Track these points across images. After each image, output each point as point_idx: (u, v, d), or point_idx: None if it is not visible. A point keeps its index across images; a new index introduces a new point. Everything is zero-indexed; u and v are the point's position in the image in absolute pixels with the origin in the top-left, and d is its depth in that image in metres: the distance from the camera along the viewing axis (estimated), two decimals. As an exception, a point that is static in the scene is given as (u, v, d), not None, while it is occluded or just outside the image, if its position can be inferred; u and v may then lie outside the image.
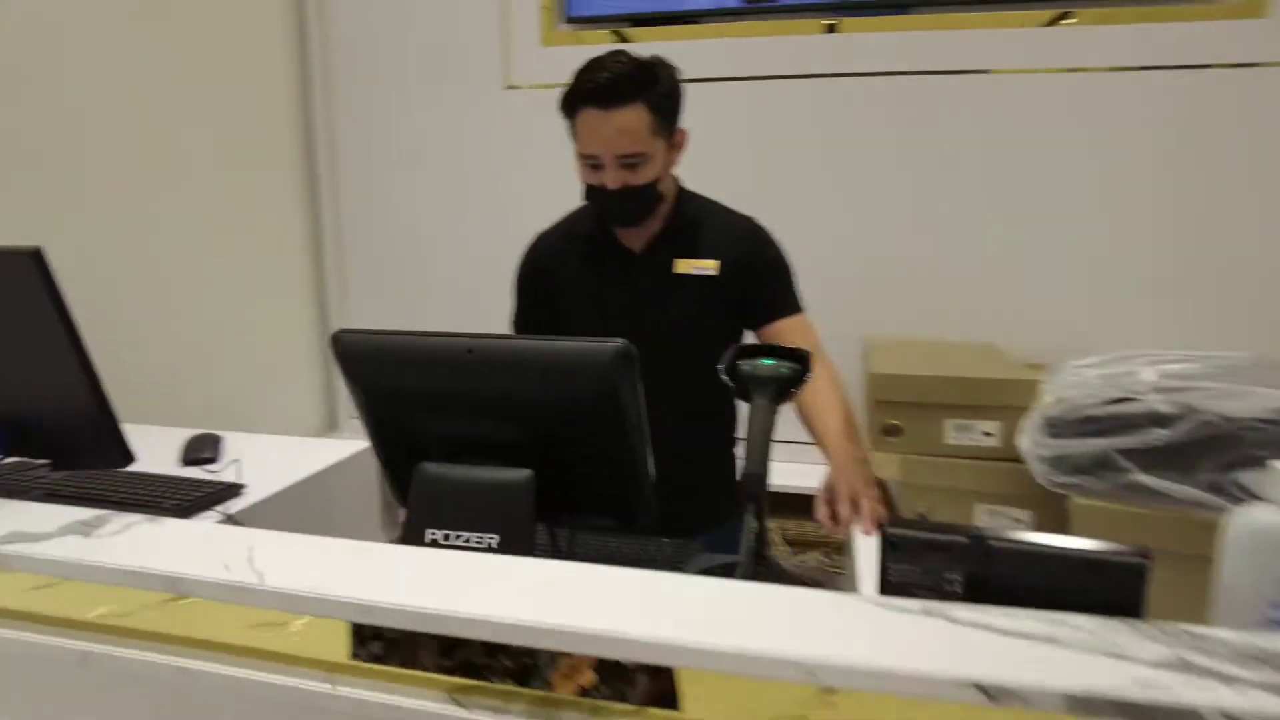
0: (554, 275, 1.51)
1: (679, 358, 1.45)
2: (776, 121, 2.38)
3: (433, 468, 1.03)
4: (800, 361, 0.94)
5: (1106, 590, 0.72)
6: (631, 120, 1.33)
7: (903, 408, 1.11)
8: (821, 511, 1.23)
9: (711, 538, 1.57)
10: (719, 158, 2.33)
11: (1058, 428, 0.95)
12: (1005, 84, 2.24)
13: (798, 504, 2.49)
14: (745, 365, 0.93)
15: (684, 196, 1.50)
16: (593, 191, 1.41)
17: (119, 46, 2.11)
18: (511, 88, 2.56)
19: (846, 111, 2.33)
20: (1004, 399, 1.09)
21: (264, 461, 1.53)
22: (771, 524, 2.42)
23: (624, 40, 2.44)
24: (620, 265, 1.48)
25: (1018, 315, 2.30)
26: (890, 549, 0.76)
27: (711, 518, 1.57)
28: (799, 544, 2.41)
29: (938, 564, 0.75)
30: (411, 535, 1.01)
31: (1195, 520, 0.87)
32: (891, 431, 1.09)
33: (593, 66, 1.35)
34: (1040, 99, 2.22)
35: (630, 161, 1.35)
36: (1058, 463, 0.94)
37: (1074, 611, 0.71)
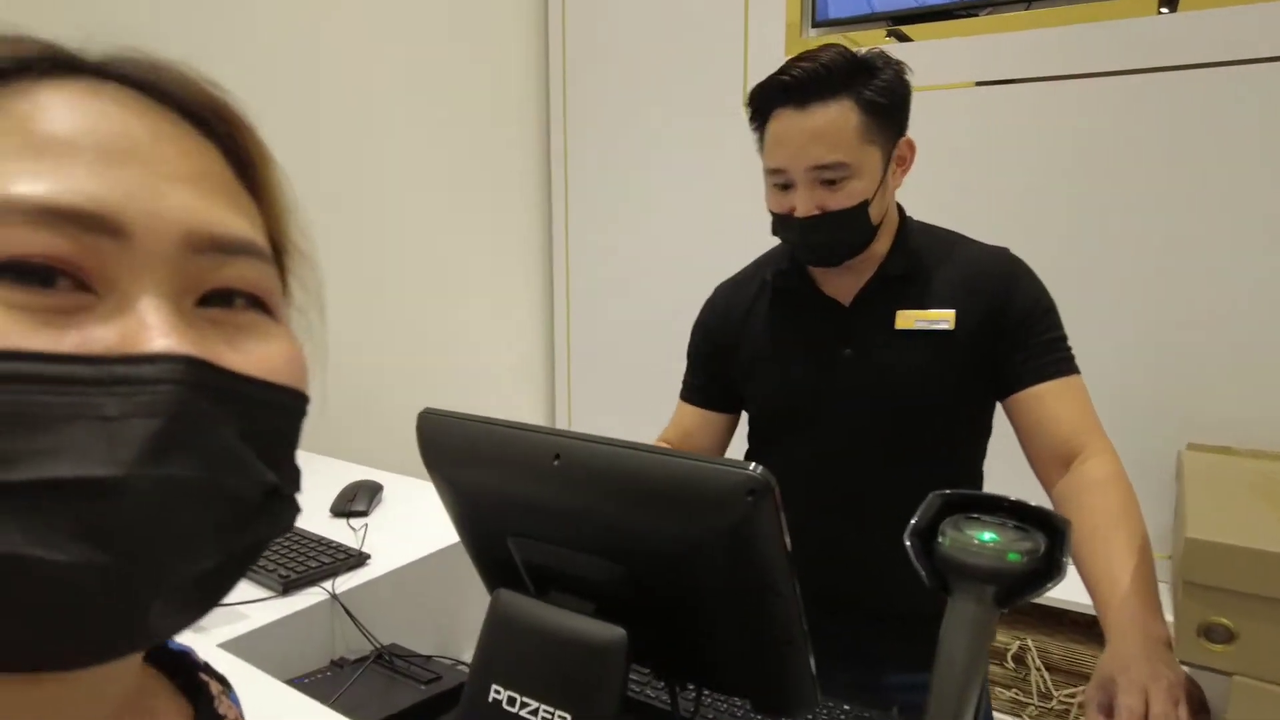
0: (733, 337, 1.21)
1: (896, 436, 1.11)
2: (1081, 132, 1.87)
3: (510, 598, 0.78)
4: (1051, 533, 0.57)
5: None
6: (834, 120, 1.00)
7: (1235, 600, 0.69)
8: None
9: (905, 683, 1.19)
10: (983, 179, 1.88)
11: None
12: None
13: (1063, 620, 1.97)
14: (946, 538, 0.57)
15: (909, 228, 1.14)
16: (781, 222, 1.09)
17: (375, 63, 2.13)
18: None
19: (1178, 116, 1.78)
20: None
21: (418, 517, 1.39)
22: (1029, 639, 1.92)
23: (902, 40, 2.05)
24: (821, 321, 1.15)
25: None
26: None
27: (911, 659, 1.19)
28: (1067, 672, 1.89)
29: None
30: (476, 683, 0.77)
31: None
32: (1216, 635, 0.67)
33: (794, 59, 1.04)
34: None
35: (829, 176, 1.02)
36: None
37: None
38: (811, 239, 1.07)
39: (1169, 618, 0.83)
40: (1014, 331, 1.07)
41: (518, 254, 2.66)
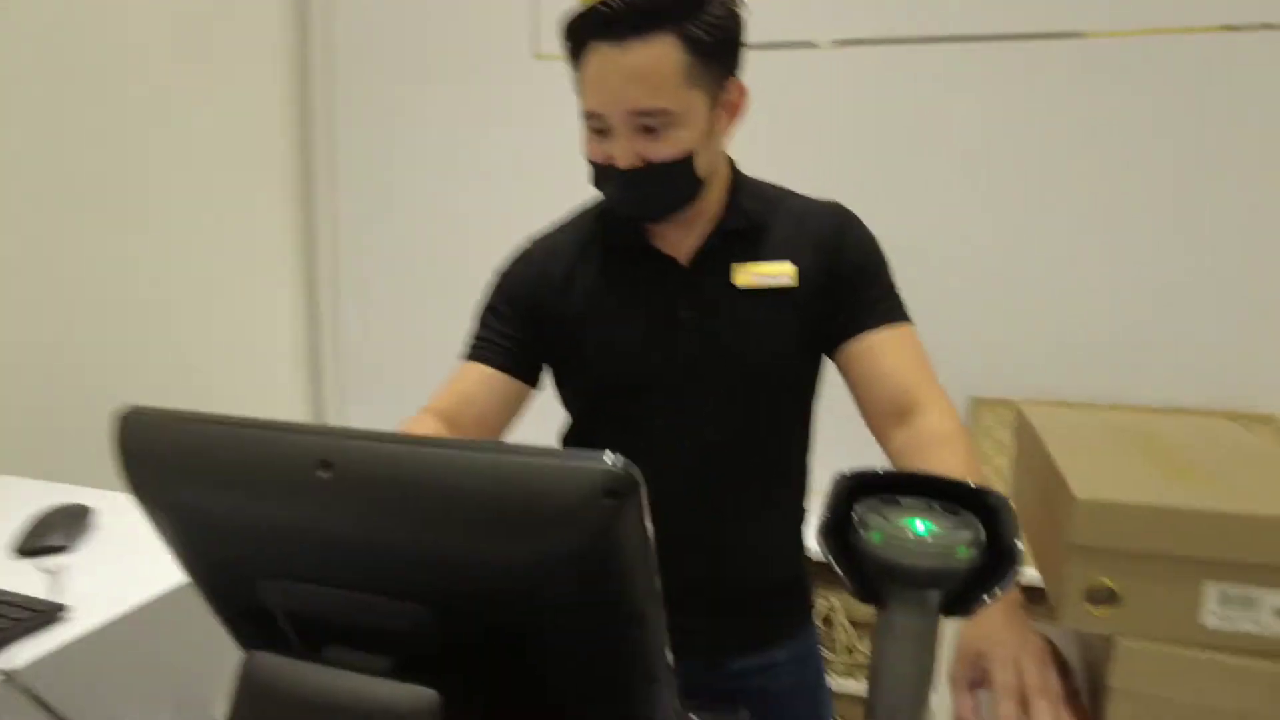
0: (554, 298, 1.04)
1: (738, 403, 1.03)
2: (879, 95, 1.88)
3: (268, 663, 0.56)
4: (991, 518, 0.45)
5: None
6: (655, 59, 0.87)
7: (1124, 560, 0.62)
8: (964, 707, 0.74)
9: (777, 658, 1.11)
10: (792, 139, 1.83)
11: None
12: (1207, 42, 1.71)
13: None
14: (872, 532, 0.44)
15: (741, 183, 1.05)
16: (600, 172, 0.96)
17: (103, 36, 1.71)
18: (543, 58, 2.11)
19: (948, 85, 1.83)
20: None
21: (145, 546, 1.08)
22: (835, 601, 1.93)
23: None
24: (660, 282, 1.02)
25: (1176, 358, 1.80)
26: None
27: (780, 630, 1.13)
28: (866, 625, 1.92)
29: None
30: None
31: None
32: (1103, 598, 0.60)
33: None
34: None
35: (650, 123, 0.90)
36: None
37: None
38: (632, 193, 0.95)
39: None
40: (848, 281, 1.01)
41: (271, 234, 2.29)
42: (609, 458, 0.47)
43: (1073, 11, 1.77)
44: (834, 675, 1.92)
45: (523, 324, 1.06)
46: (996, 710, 0.70)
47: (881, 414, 0.98)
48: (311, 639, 0.57)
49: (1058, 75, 1.79)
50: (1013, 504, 0.46)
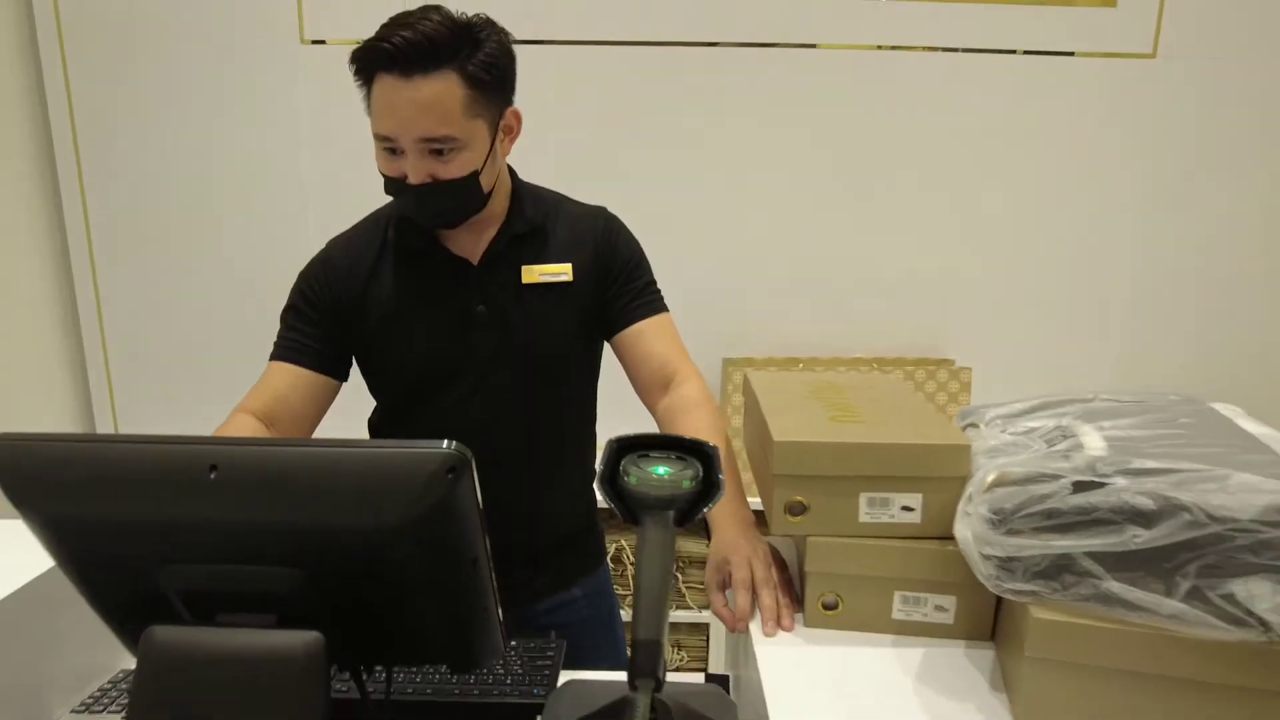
0: (357, 298, 1.17)
1: (533, 386, 1.20)
2: (612, 94, 2.11)
3: (169, 633, 0.69)
4: (706, 461, 0.69)
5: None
6: (439, 94, 1.01)
7: (809, 482, 0.89)
8: (717, 602, 1.00)
9: (573, 595, 1.32)
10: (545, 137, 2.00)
11: (1009, 521, 0.75)
12: (887, 58, 2.08)
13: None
14: (631, 477, 0.66)
15: (522, 191, 1.22)
16: (394, 185, 1.09)
17: None
18: (315, 43, 2.11)
19: (684, 88, 2.10)
20: (929, 468, 0.89)
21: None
22: (625, 542, 2.20)
23: None
24: (455, 281, 1.17)
25: (878, 318, 2.21)
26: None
27: (574, 571, 1.34)
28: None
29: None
30: (139, 738, 0.68)
31: (1173, 637, 0.70)
32: (797, 510, 0.87)
33: (395, 22, 1.02)
34: (919, 74, 2.09)
35: (439, 147, 1.04)
36: (1010, 565, 0.75)
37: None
38: (425, 206, 1.09)
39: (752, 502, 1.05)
40: (617, 279, 1.22)
41: (19, 238, 2.13)
42: (447, 444, 0.65)
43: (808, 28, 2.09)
44: (627, 608, 2.19)
45: (327, 323, 1.17)
46: (735, 598, 0.97)
47: (649, 387, 1.22)
48: (202, 611, 0.71)
49: (781, 78, 2.11)
50: (721, 450, 0.70)
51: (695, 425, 1.10)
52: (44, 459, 0.69)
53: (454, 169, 1.06)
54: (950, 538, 0.91)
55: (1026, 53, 2.07)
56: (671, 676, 1.01)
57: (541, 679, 0.93)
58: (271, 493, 0.67)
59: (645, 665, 0.61)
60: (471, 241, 1.18)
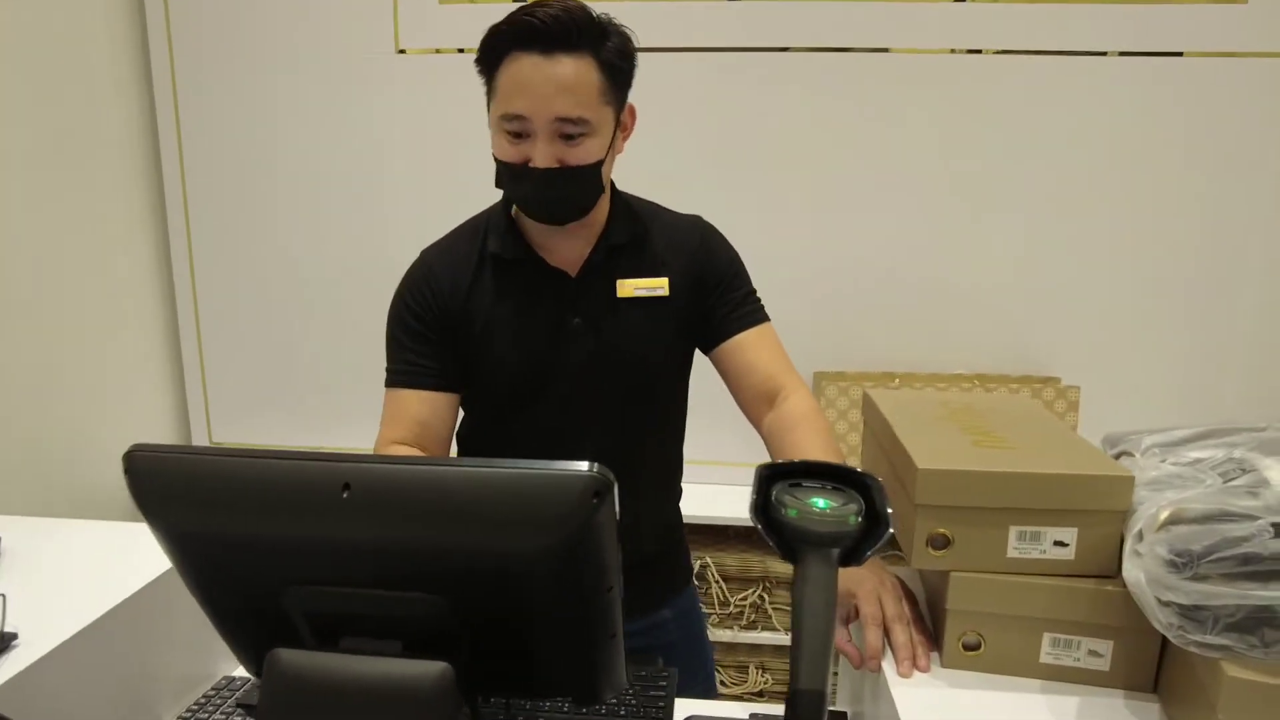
0: (461, 310, 1.14)
1: (624, 399, 1.15)
2: (689, 103, 2.06)
3: (294, 657, 0.66)
4: (866, 493, 0.63)
5: None
6: (580, 74, 0.99)
7: (954, 513, 0.83)
8: (840, 637, 0.94)
9: (663, 616, 1.28)
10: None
11: (1195, 565, 0.68)
12: (988, 63, 2.00)
13: (729, 535, 2.25)
14: (789, 509, 0.61)
15: (620, 199, 1.17)
16: (512, 172, 1.04)
17: None
18: (403, 52, 2.13)
19: (770, 94, 2.04)
20: (1086, 501, 0.82)
21: (52, 573, 1.10)
22: (709, 559, 2.14)
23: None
24: (551, 292, 1.13)
25: (978, 332, 2.11)
26: None
27: (664, 590, 1.29)
28: (738, 579, 2.15)
29: None
30: (263, 767, 0.65)
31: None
32: (940, 543, 0.80)
33: (534, 6, 0.99)
34: (1021, 81, 1.99)
35: (571, 131, 1.00)
36: (1197, 615, 0.67)
37: None
38: (548, 193, 1.04)
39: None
40: (715, 290, 1.17)
41: (121, 244, 2.19)
42: (591, 467, 0.61)
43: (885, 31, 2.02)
44: (711, 627, 2.14)
45: (438, 338, 1.14)
46: (865, 635, 0.90)
47: (753, 401, 1.16)
48: (327, 633, 0.68)
49: (871, 84, 2.04)
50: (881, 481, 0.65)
51: (807, 442, 1.04)
52: (176, 471, 0.67)
53: (582, 154, 1.02)
54: (1107, 576, 0.83)
55: (1128, 54, 1.95)
56: (760, 707, 0.97)
57: (656, 710, 0.89)
58: (405, 514, 0.63)
59: (808, 715, 0.56)
60: (570, 250, 1.14)
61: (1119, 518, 0.82)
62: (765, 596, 2.15)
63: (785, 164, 2.09)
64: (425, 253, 1.18)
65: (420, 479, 0.63)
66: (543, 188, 1.03)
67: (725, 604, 2.13)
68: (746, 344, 1.16)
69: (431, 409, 1.13)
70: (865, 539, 0.60)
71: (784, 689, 2.21)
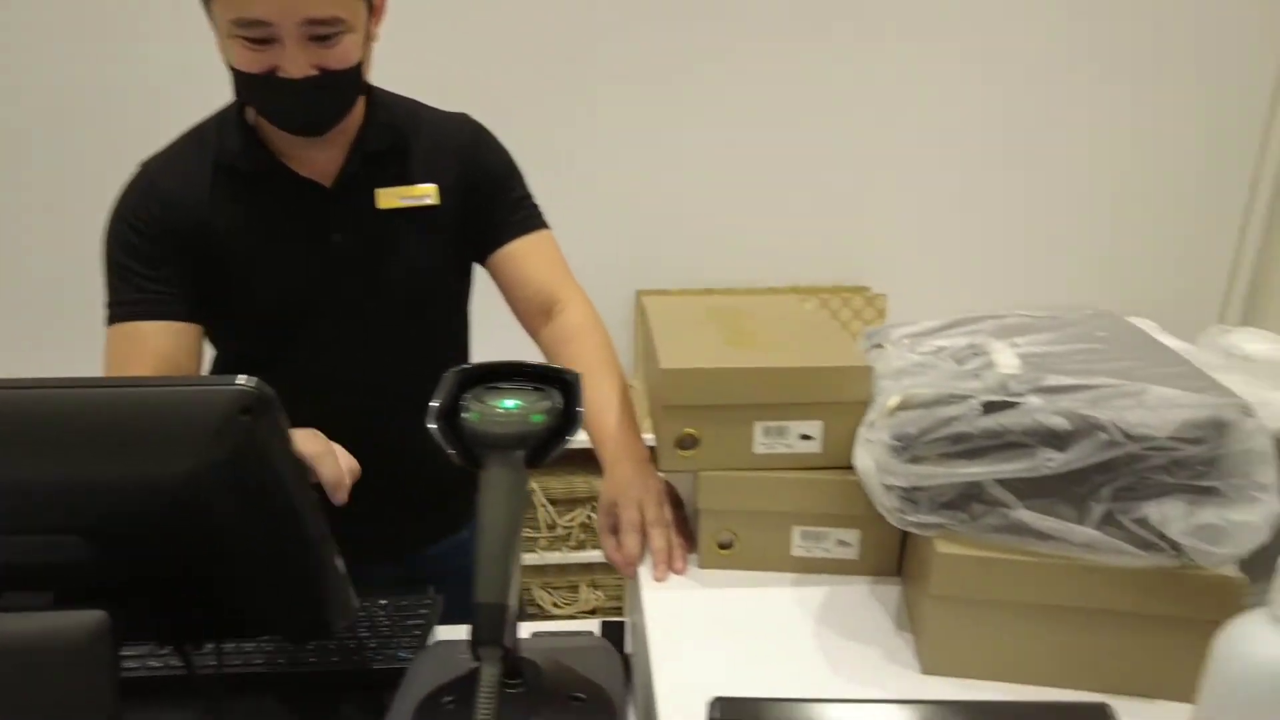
0: (196, 231, 0.99)
1: (395, 326, 1.07)
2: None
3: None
4: (564, 387, 0.59)
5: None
6: None
7: (699, 412, 0.81)
8: (609, 546, 0.91)
9: (462, 538, 1.23)
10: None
11: (914, 448, 0.68)
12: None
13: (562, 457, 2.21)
14: (471, 413, 0.56)
15: (376, 97, 1.06)
16: (258, 83, 0.91)
17: None
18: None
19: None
20: (829, 392, 0.82)
21: None
22: (534, 485, 2.11)
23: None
24: (305, 208, 1.02)
25: (792, 246, 2.13)
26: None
27: (464, 513, 1.23)
28: (564, 502, 2.14)
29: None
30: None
31: (1085, 566, 0.65)
32: (688, 444, 0.79)
33: None
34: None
35: (323, 32, 0.89)
36: (914, 496, 0.68)
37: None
38: (308, 104, 0.93)
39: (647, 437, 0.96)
40: (487, 193, 1.08)
41: None
42: (241, 379, 0.54)
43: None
44: (539, 550, 2.12)
45: (174, 259, 0.99)
46: (622, 541, 0.88)
47: (529, 313, 1.10)
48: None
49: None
50: (583, 379, 0.61)
51: (579, 354, 1.00)
52: None
53: (340, 56, 0.91)
54: (849, 467, 0.84)
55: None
56: (565, 625, 0.94)
57: (410, 640, 0.84)
58: (36, 444, 0.55)
59: (489, 632, 0.52)
60: (322, 159, 1.02)
61: (861, 409, 0.82)
62: (592, 515, 2.14)
63: (603, 82, 2.00)
64: (146, 165, 1.02)
65: (47, 404, 0.54)
66: (300, 100, 0.91)
67: (553, 527, 2.12)
68: (521, 253, 1.09)
69: (177, 343, 0.98)
70: (554, 437, 0.56)
71: (618, 604, 2.24)
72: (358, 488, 0.93)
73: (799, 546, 0.86)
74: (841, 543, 0.86)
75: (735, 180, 2.09)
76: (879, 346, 0.92)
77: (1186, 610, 0.65)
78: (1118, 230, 2.19)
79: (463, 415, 0.55)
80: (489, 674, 0.52)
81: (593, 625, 0.85)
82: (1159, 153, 2.14)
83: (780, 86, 2.03)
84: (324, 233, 1.02)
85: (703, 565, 0.87)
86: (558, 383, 0.59)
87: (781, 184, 2.10)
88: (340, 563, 0.65)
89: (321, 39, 0.89)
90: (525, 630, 0.99)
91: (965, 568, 0.68)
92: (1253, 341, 0.88)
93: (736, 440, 0.83)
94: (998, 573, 0.67)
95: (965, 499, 0.68)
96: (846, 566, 0.86)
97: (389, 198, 1.03)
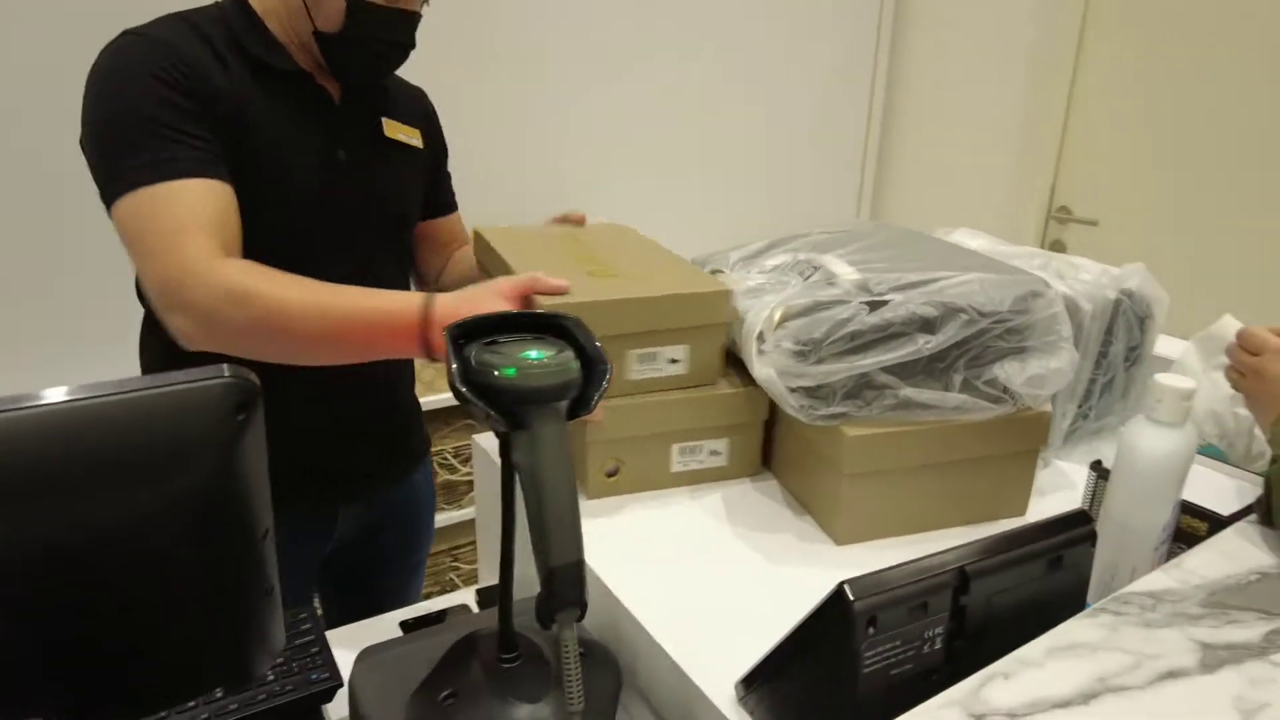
0: (234, 113, 0.88)
1: (391, 250, 1.09)
2: None
3: None
4: (567, 334, 0.55)
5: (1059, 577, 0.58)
6: None
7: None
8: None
9: (416, 480, 1.21)
10: None
11: (818, 350, 0.76)
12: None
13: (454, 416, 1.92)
14: (505, 369, 0.49)
15: None
16: (382, 17, 0.92)
17: None
18: None
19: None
20: (695, 317, 0.86)
21: None
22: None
23: None
24: (314, 114, 0.96)
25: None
26: (867, 630, 0.48)
27: (417, 453, 1.22)
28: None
29: (919, 625, 0.51)
30: None
31: (957, 425, 0.79)
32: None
33: None
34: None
35: None
36: (820, 393, 0.76)
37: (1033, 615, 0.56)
38: (405, 40, 0.97)
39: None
40: (441, 163, 1.18)
41: None
42: (228, 371, 0.42)
43: None
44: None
45: (210, 125, 0.85)
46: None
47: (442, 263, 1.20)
48: None
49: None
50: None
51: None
52: None
53: None
54: (712, 383, 0.89)
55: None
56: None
57: (310, 660, 0.72)
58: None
59: (571, 594, 0.49)
60: (326, 76, 0.98)
61: (723, 329, 0.88)
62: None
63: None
64: (142, 32, 0.86)
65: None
66: (408, 34, 0.96)
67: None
68: (452, 226, 1.21)
69: (234, 210, 0.85)
70: (589, 384, 0.52)
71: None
72: (337, 415, 1.02)
73: (678, 462, 0.90)
74: (713, 453, 0.91)
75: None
76: (718, 271, 0.98)
77: (1020, 445, 0.82)
78: (773, 167, 2.49)
79: (495, 373, 0.49)
80: (571, 640, 0.49)
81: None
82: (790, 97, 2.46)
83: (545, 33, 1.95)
84: (332, 146, 0.97)
85: (590, 496, 0.87)
86: (553, 329, 0.55)
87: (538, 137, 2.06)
88: (278, 587, 0.54)
89: None
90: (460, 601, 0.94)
91: (873, 445, 0.77)
92: (973, 239, 1.10)
93: (614, 369, 0.83)
94: (896, 444, 0.78)
95: (859, 388, 0.78)
96: (719, 473, 0.92)
97: (392, 128, 1.03)
